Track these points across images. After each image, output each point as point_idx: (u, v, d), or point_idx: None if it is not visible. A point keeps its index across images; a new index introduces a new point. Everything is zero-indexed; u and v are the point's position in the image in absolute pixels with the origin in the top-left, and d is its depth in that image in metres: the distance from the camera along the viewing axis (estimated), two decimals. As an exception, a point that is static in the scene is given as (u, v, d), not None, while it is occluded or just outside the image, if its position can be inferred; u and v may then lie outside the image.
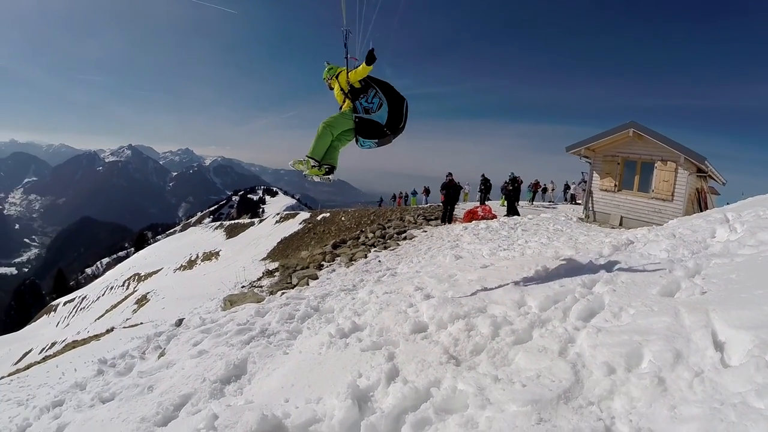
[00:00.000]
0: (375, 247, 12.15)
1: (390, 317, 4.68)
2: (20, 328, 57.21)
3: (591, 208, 19.70)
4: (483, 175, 26.08)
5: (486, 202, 23.17)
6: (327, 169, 4.95)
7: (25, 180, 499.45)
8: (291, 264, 11.17)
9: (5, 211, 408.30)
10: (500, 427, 2.66)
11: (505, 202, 20.99)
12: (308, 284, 8.97)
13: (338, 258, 11.16)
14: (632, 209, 18.01)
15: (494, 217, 17.52)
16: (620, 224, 18.03)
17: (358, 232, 17.44)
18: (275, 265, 26.37)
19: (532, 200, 31.00)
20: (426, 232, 14.30)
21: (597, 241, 9.61)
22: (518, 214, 20.13)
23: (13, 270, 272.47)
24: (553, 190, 34.08)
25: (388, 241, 13.05)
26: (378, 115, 4.79)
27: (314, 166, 4.81)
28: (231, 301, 8.56)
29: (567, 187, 33.29)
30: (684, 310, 3.46)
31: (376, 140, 4.90)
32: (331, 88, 5.17)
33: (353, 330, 4.72)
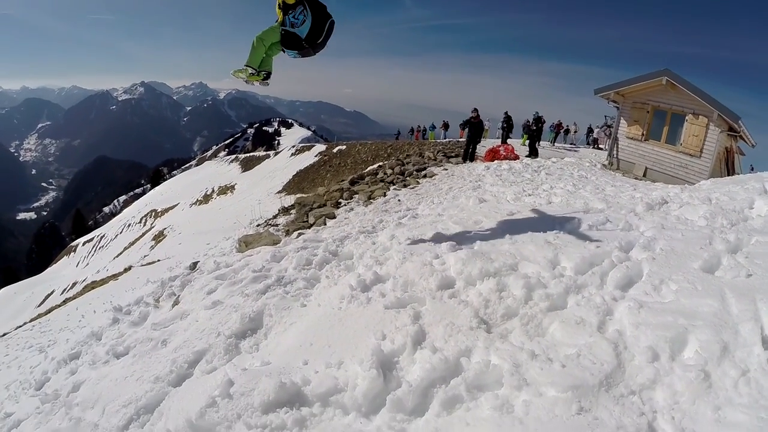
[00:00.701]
0: (394, 184, 11.85)
1: (415, 269, 4.38)
2: (42, 271, 58.59)
3: (615, 156, 19.20)
4: (506, 113, 25.43)
5: (507, 141, 22.57)
6: (264, 75, 5.68)
7: (39, 125, 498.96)
8: (307, 201, 10.90)
9: (21, 158, 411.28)
10: (538, 415, 2.43)
11: (527, 142, 20.39)
12: (325, 224, 8.74)
13: (356, 195, 10.88)
14: (658, 161, 17.48)
15: (516, 157, 17.04)
16: (644, 175, 17.59)
17: (376, 167, 17.07)
18: (291, 199, 26.29)
19: (554, 141, 30.34)
20: (447, 170, 13.93)
21: (626, 194, 9.16)
22: (537, 155, 19.69)
23: (32, 215, 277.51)
24: (575, 132, 33.23)
25: (408, 178, 12.72)
26: (300, 30, 5.17)
27: (252, 73, 5.49)
28: (246, 243, 8.36)
29: (590, 130, 32.47)
30: (730, 294, 3.17)
31: (297, 51, 5.35)
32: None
33: (375, 282, 4.43)
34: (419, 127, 42.90)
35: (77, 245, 57.11)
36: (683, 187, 9.52)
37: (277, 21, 5.32)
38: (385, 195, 10.56)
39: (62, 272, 46.32)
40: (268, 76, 5.77)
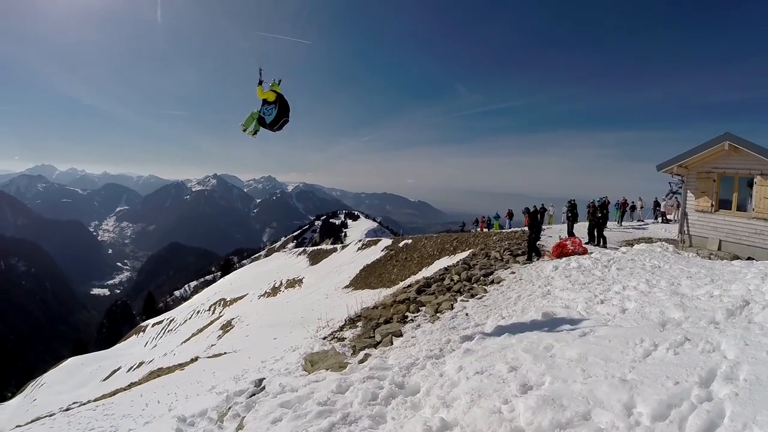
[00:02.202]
0: (461, 294, 11.74)
1: (483, 417, 4.25)
2: (110, 346, 60.92)
3: (686, 232, 18.52)
4: (570, 202, 25.10)
5: (573, 230, 22.11)
6: (255, 132, 8.79)
7: (118, 209, 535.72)
8: (374, 315, 10.93)
9: (99, 237, 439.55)
10: None
11: (595, 231, 19.88)
12: (392, 343, 8.70)
13: (423, 308, 10.81)
14: (731, 231, 16.73)
15: (585, 251, 16.59)
16: (719, 249, 16.82)
17: (442, 270, 17.04)
18: (358, 295, 26.42)
19: (621, 221, 29.67)
20: (514, 273, 13.74)
21: (704, 291, 8.82)
22: (605, 243, 19.22)
23: (105, 291, 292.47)
24: (641, 207, 32.39)
25: (475, 285, 12.60)
26: (267, 117, 8.45)
27: (245, 131, 8.86)
28: (312, 362, 8.45)
29: (657, 204, 31.58)
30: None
31: (265, 127, 8.56)
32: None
33: (442, 429, 4.35)
34: (483, 217, 42.88)
35: (147, 326, 59.21)
36: (765, 276, 9.09)
37: (260, 107, 8.59)
38: (452, 307, 10.46)
39: (130, 350, 47.82)
40: (255, 133, 8.85)
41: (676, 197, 26.64)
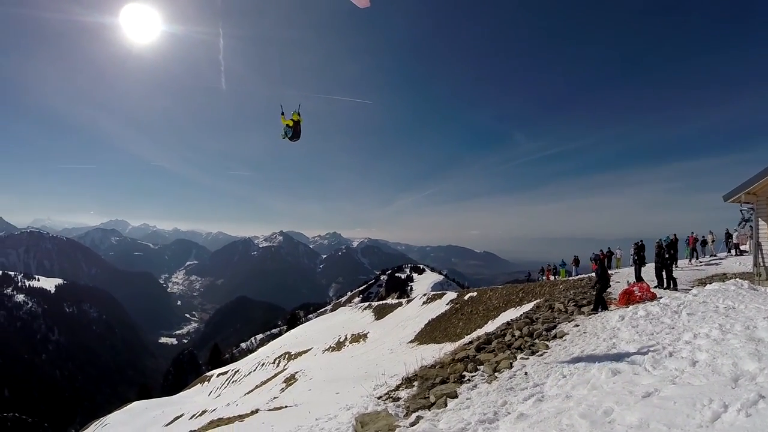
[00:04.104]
0: (522, 350, 11.26)
1: None
2: (176, 393, 62.38)
3: (762, 264, 17.34)
4: (636, 244, 24.00)
5: (641, 275, 21.07)
6: (289, 138, 12.30)
7: (187, 263, 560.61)
8: (430, 375, 10.60)
9: (169, 289, 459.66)
10: None
11: (663, 273, 18.85)
12: (446, 405, 8.38)
13: (481, 367, 10.40)
14: None
15: (653, 297, 15.72)
16: None
17: (504, 325, 16.53)
18: (423, 350, 26.01)
19: (691, 257, 28.24)
20: (578, 326, 13.12)
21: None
22: (675, 285, 18.22)
23: (173, 340, 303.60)
24: (713, 241, 30.58)
25: (536, 341, 12.09)
26: (287, 134, 12.29)
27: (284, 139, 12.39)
28: (362, 423, 8.25)
29: (728, 235, 29.83)
30: None
31: (286, 138, 12.32)
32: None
33: None
34: (549, 265, 41.99)
35: (212, 375, 60.27)
36: None
37: (285, 126, 12.26)
38: (511, 366, 10.01)
39: (194, 398, 48.63)
40: (287, 137, 12.39)
41: (749, 225, 25.30)
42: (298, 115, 12.06)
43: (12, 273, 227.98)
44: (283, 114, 12.22)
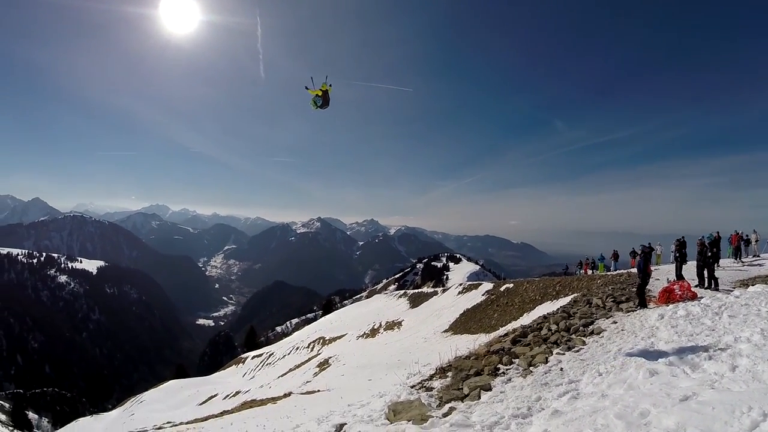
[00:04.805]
0: (558, 345, 11.19)
1: None
2: (210, 373, 64.02)
3: None
4: (677, 241, 23.41)
5: (682, 273, 20.55)
6: (319, 106, 13.59)
7: (226, 247, 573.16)
8: (464, 366, 10.63)
9: (207, 273, 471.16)
10: None
11: (705, 272, 18.33)
12: (479, 397, 8.42)
13: (516, 361, 10.38)
14: None
15: (694, 296, 15.32)
16: None
17: (541, 318, 16.42)
18: (457, 340, 25.99)
19: (735, 256, 27.44)
20: (616, 323, 12.95)
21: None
22: (717, 285, 17.75)
23: (210, 322, 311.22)
24: (756, 241, 29.47)
25: (573, 336, 12.00)
26: (317, 104, 13.49)
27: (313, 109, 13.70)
28: (395, 411, 8.37)
29: None
30: None
31: (317, 108, 13.58)
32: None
33: None
34: (587, 259, 41.37)
35: (247, 357, 61.55)
36: None
37: (314, 96, 13.40)
38: (547, 361, 9.96)
39: (228, 379, 49.90)
40: (317, 105, 13.66)
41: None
42: (328, 85, 13.39)
43: (55, 255, 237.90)
44: (310, 87, 13.38)
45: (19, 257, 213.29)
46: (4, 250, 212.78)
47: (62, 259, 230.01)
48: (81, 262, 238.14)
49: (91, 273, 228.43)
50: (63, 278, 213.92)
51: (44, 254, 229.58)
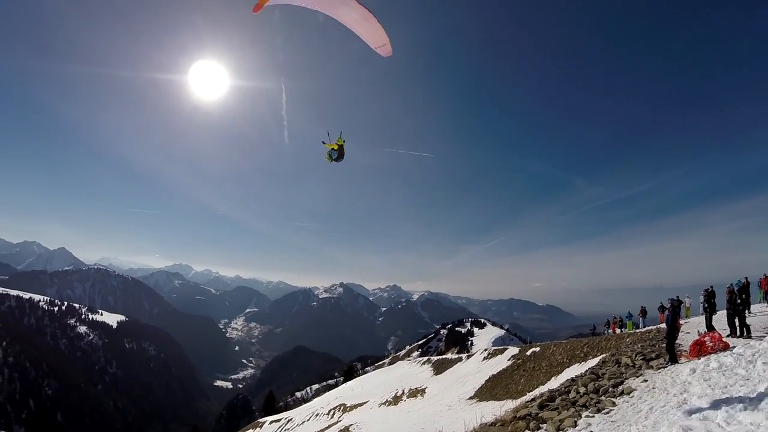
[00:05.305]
0: (587, 408, 10.76)
1: None
2: None
3: None
4: (706, 290, 22.87)
5: (712, 324, 19.93)
6: (334, 160, 14.15)
7: (247, 310, 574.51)
8: (491, 432, 10.31)
9: (228, 334, 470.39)
10: None
11: (736, 320, 17.74)
12: (508, 467, 8.09)
13: (544, 426, 9.97)
14: None
15: (726, 347, 14.80)
16: None
17: (569, 382, 15.91)
18: (482, 407, 25.24)
19: (767, 300, 26.64)
20: (646, 381, 12.49)
21: None
22: (749, 332, 17.12)
23: (228, 384, 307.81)
24: None
25: (602, 397, 11.55)
26: (332, 157, 14.12)
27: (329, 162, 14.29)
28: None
29: None
30: None
31: (332, 161, 14.16)
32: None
33: None
34: (615, 318, 40.62)
35: (264, 422, 60.77)
36: None
37: (329, 150, 14.02)
38: (575, 425, 9.54)
39: None
40: (332, 159, 14.21)
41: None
42: (342, 140, 14.12)
43: (77, 305, 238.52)
44: (327, 142, 14.10)
45: (40, 303, 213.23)
46: (27, 295, 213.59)
47: (83, 310, 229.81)
48: (102, 314, 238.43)
49: (111, 326, 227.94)
50: (83, 329, 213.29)
51: (66, 303, 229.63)
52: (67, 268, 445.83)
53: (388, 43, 10.35)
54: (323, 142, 14.08)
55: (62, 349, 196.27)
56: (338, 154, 14.08)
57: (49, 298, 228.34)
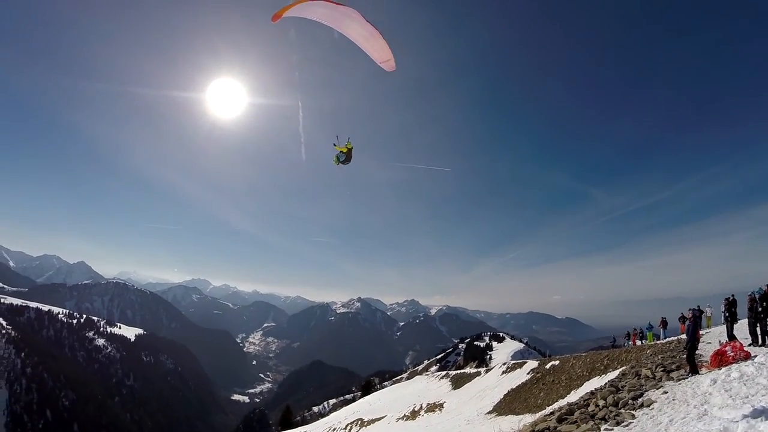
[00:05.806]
0: (605, 421, 10.62)
1: None
2: None
3: None
4: (727, 299, 22.33)
5: (734, 332, 19.58)
6: (342, 162, 15.70)
7: (265, 324, 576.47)
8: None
9: (245, 349, 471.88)
10: None
11: (757, 328, 17.40)
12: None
13: (563, 440, 9.92)
14: None
15: (747, 356, 14.55)
16: None
17: (588, 395, 15.73)
18: (501, 420, 25.01)
19: None
20: (666, 392, 12.31)
21: None
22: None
23: (245, 399, 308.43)
24: None
25: (622, 410, 11.39)
26: (341, 158, 15.69)
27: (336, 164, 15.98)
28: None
29: None
30: None
31: (339, 163, 15.80)
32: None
33: None
34: (635, 330, 40.12)
35: None
36: None
37: (338, 153, 15.53)
38: (595, 438, 9.51)
39: None
40: (340, 161, 15.62)
41: None
42: (350, 144, 15.37)
43: (95, 318, 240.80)
44: (337, 144, 15.37)
45: (59, 316, 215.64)
46: (46, 308, 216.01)
47: (102, 323, 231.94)
48: (120, 327, 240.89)
49: (129, 339, 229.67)
50: (101, 341, 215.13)
51: (84, 316, 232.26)
52: (86, 282, 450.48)
53: (392, 59, 10.91)
54: (334, 144, 15.32)
55: (80, 361, 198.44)
56: (346, 157, 15.39)
57: (67, 311, 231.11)
